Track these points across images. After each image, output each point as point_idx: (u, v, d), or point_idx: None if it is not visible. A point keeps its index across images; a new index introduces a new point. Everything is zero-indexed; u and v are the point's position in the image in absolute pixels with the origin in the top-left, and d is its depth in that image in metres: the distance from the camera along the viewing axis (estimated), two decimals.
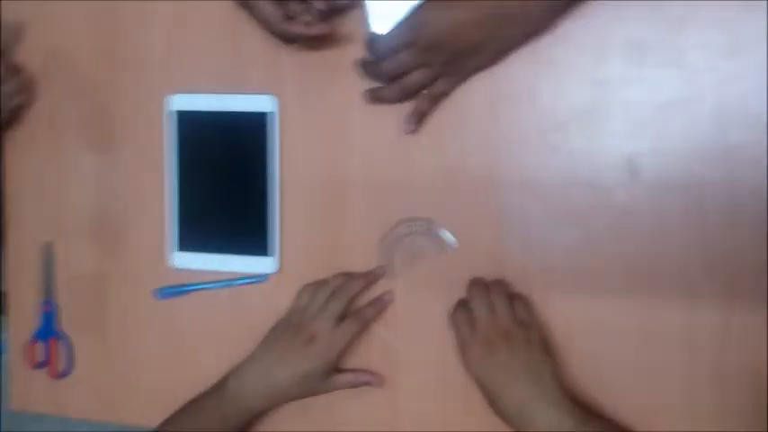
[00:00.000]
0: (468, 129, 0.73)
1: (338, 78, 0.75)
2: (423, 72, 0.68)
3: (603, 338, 0.70)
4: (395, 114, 0.73)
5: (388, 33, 0.67)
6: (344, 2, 0.71)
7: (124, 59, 0.82)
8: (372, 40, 0.69)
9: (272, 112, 0.76)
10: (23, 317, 0.86)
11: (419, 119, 0.72)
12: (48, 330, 0.85)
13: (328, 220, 0.77)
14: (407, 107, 0.73)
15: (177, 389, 0.76)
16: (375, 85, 0.73)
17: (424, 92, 0.71)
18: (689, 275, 0.68)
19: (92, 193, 0.84)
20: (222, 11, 0.77)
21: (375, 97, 0.73)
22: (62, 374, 0.85)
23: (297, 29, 0.69)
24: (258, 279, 0.79)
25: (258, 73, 0.78)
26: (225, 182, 0.79)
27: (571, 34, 0.69)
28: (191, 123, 0.79)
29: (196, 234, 0.80)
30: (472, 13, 0.63)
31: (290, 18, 0.69)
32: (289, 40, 0.71)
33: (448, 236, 0.74)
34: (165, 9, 0.80)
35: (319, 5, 0.69)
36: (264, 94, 0.77)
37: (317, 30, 0.69)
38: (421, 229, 0.74)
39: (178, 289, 0.81)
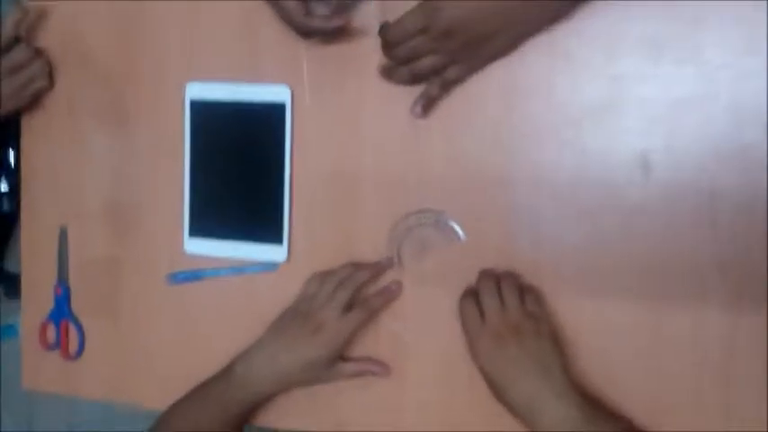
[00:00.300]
0: (480, 121, 0.72)
1: (352, 71, 0.76)
2: (434, 58, 0.68)
3: (613, 336, 0.70)
4: (407, 107, 0.73)
5: (400, 19, 0.67)
6: None
7: (142, 47, 0.83)
8: (385, 25, 0.69)
9: (285, 103, 0.77)
10: (37, 299, 0.87)
11: (428, 103, 0.72)
12: (60, 313, 0.86)
13: (339, 211, 0.77)
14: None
15: (187, 373, 0.77)
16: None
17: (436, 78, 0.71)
18: (700, 275, 0.68)
19: (107, 179, 0.85)
20: (240, 1, 0.78)
21: (387, 75, 0.73)
22: (73, 356, 0.86)
23: (316, 23, 0.70)
24: (268, 268, 0.79)
25: (273, 63, 0.78)
26: (238, 170, 0.80)
27: (587, 28, 0.68)
28: (206, 112, 0.80)
29: (209, 221, 0.81)
30: (487, 2, 0.63)
31: (309, 13, 0.70)
32: (308, 34, 0.72)
33: (457, 229, 0.74)
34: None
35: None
36: (279, 84, 0.77)
37: (335, 23, 0.70)
38: (430, 221, 0.74)
39: (190, 275, 0.82)
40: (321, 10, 0.71)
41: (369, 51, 0.74)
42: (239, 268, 0.80)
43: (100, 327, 0.86)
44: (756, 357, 0.67)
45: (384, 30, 0.69)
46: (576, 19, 0.68)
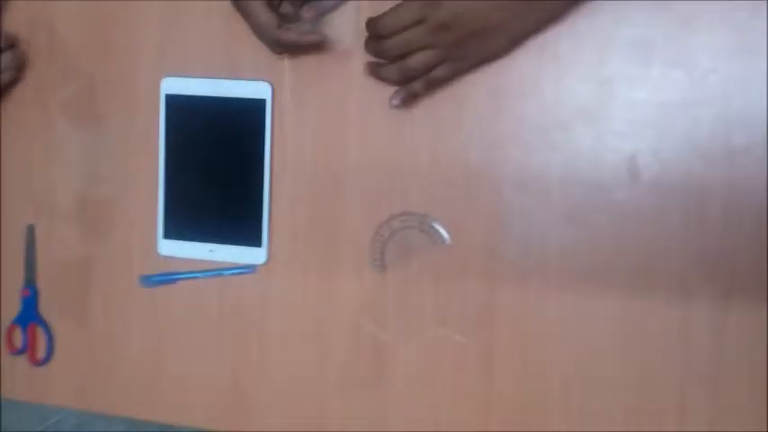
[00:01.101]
0: (467, 122, 0.71)
1: (335, 67, 0.74)
2: (427, 54, 0.66)
3: (600, 338, 0.69)
4: (392, 110, 0.72)
5: (395, 8, 0.65)
6: (332, 2, 0.70)
7: (116, 39, 0.80)
8: (374, 18, 0.66)
9: (266, 100, 0.75)
10: (3, 302, 0.84)
11: (408, 97, 0.70)
12: (28, 316, 0.82)
13: (320, 213, 0.75)
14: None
15: (160, 379, 0.74)
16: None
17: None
18: (687, 276, 0.67)
19: (78, 176, 0.82)
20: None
21: (374, 73, 0.71)
22: (42, 361, 0.83)
23: (290, 36, 0.69)
24: (247, 270, 0.77)
25: (253, 59, 0.76)
26: (215, 169, 0.77)
27: (577, 30, 0.68)
28: (182, 107, 0.77)
29: (184, 222, 0.79)
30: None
31: (283, 26, 0.69)
32: (282, 48, 0.71)
33: (442, 231, 0.72)
34: None
35: (308, 16, 0.70)
36: (259, 81, 0.75)
37: (311, 38, 0.69)
38: (414, 224, 0.73)
39: (164, 277, 0.79)
40: (301, 25, 0.70)
41: (352, 48, 0.72)
42: (216, 270, 0.78)
43: (70, 331, 0.82)
44: (743, 357, 0.67)
45: (375, 21, 0.66)
46: (565, 20, 0.68)
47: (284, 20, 0.70)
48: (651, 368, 0.69)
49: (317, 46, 0.71)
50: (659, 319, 0.68)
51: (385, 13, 0.66)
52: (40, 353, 0.83)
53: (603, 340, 0.69)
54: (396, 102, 0.70)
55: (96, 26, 0.80)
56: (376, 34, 0.67)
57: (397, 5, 0.65)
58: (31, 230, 0.82)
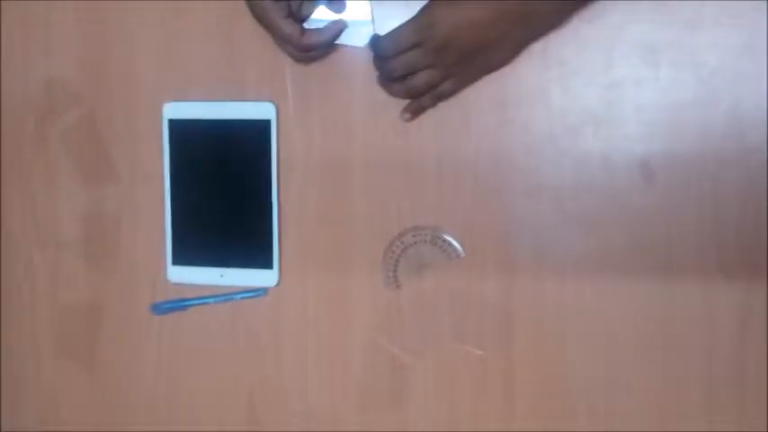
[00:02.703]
0: (476, 132, 0.71)
1: (339, 86, 0.73)
2: (430, 73, 0.66)
3: (620, 345, 0.69)
4: (398, 122, 0.71)
5: (394, 32, 0.65)
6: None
7: (116, 66, 0.79)
8: (377, 39, 0.67)
9: (271, 120, 0.74)
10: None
11: (418, 110, 0.71)
12: None
13: (331, 231, 0.74)
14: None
15: (174, 408, 0.73)
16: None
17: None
18: (705, 281, 0.67)
19: (82, 207, 0.80)
20: (217, 11, 0.75)
21: (384, 87, 0.71)
22: None
23: (315, 39, 0.68)
24: (258, 293, 0.76)
25: (255, 77, 0.75)
26: (222, 192, 0.76)
27: (583, 34, 0.67)
28: (186, 132, 0.76)
29: (193, 247, 0.77)
30: (483, 13, 0.61)
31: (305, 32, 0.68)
32: (308, 55, 0.70)
33: (455, 244, 0.71)
34: (156, 11, 0.77)
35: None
36: (263, 101, 0.74)
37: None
38: (426, 238, 0.72)
39: (175, 304, 0.78)
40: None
41: (354, 62, 0.72)
42: (227, 295, 0.77)
43: (79, 368, 0.81)
44: (764, 361, 0.66)
45: (376, 43, 0.67)
46: (569, 25, 0.67)
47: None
48: (674, 374, 0.68)
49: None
50: (679, 323, 0.67)
51: (384, 37, 0.66)
52: None
53: (626, 347, 0.68)
54: (407, 117, 0.71)
55: (94, 53, 0.79)
56: (378, 55, 0.67)
57: (395, 29, 0.65)
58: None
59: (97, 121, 0.79)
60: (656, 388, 0.68)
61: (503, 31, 0.63)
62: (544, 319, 0.70)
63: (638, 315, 0.68)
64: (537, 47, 0.68)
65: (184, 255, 0.78)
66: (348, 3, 0.71)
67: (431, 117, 0.71)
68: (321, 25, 0.69)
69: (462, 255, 0.71)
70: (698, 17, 0.65)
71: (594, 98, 0.68)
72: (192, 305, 0.78)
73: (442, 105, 0.71)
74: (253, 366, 0.76)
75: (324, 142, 0.74)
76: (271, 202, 0.75)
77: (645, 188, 0.67)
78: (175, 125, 0.76)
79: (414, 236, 0.72)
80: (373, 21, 0.70)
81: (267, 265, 0.75)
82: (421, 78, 0.67)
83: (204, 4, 0.75)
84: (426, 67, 0.66)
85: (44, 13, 0.79)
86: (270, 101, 0.74)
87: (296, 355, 0.75)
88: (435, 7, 0.63)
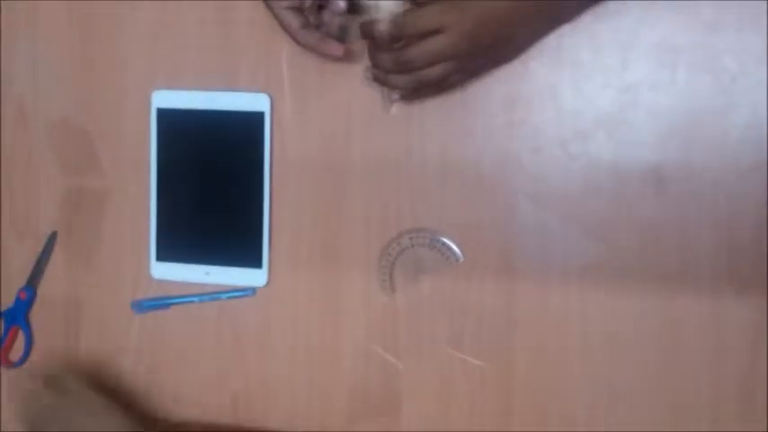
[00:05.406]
0: (480, 132, 0.68)
1: (337, 79, 0.70)
2: (446, 66, 0.60)
3: (627, 357, 0.67)
4: (399, 115, 0.69)
5: (416, 12, 0.58)
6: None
7: (103, 50, 0.76)
8: (393, 19, 0.59)
9: (264, 112, 0.71)
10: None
11: (410, 97, 0.68)
12: (15, 317, 0.78)
13: (324, 230, 0.72)
14: (414, 110, 0.68)
15: (154, 410, 0.71)
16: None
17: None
18: (717, 294, 0.65)
19: (62, 197, 0.77)
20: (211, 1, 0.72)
21: (380, 80, 0.65)
22: (14, 364, 0.79)
23: (308, 40, 0.64)
24: (246, 293, 0.73)
25: (250, 68, 0.72)
26: (211, 187, 0.74)
27: (597, 35, 0.65)
28: (175, 122, 0.74)
29: (178, 243, 0.75)
30: (511, 4, 0.58)
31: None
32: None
33: (454, 248, 0.69)
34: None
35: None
36: (257, 92, 0.71)
37: (330, 49, 0.64)
38: (424, 241, 0.69)
39: (158, 302, 0.75)
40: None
41: (354, 56, 0.69)
42: (213, 294, 0.74)
43: (60, 357, 0.78)
44: None
45: (393, 21, 0.59)
46: (583, 24, 0.65)
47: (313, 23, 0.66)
48: (681, 390, 0.66)
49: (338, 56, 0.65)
50: (690, 336, 0.66)
51: (405, 15, 0.59)
52: (15, 355, 0.79)
53: (631, 360, 0.67)
54: (395, 98, 0.67)
55: (81, 36, 0.76)
56: (389, 37, 0.60)
57: (415, 9, 0.59)
58: (52, 237, 0.78)
59: (82, 109, 0.77)
60: (661, 404, 0.66)
61: (525, 21, 0.60)
62: (546, 330, 0.68)
63: (645, 329, 0.66)
64: (549, 45, 0.65)
65: (169, 250, 0.75)
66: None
67: (433, 114, 0.69)
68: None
69: (461, 259, 0.69)
70: (718, 18, 0.63)
71: (607, 101, 0.65)
72: (175, 304, 0.75)
73: (445, 101, 0.68)
74: (238, 369, 0.73)
75: (320, 137, 0.72)
76: (262, 199, 0.72)
77: (656, 197, 0.65)
78: (164, 115, 0.74)
79: (411, 238, 0.70)
80: None
81: (256, 264, 0.73)
82: (436, 71, 0.61)
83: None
84: (446, 59, 0.60)
85: None
86: (264, 92, 0.71)
87: (283, 360, 0.73)
88: None
